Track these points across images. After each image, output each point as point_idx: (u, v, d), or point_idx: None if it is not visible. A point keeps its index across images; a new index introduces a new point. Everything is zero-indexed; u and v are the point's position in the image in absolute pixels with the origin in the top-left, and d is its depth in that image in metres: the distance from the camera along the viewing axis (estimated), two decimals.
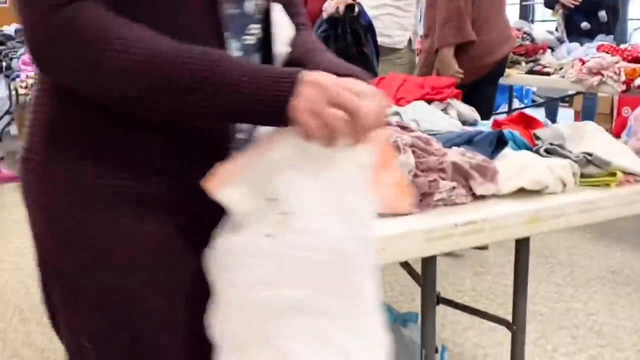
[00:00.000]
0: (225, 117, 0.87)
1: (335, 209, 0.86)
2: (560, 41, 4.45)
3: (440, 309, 1.85)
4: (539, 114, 5.57)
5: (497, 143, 1.46)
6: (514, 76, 4.16)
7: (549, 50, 4.23)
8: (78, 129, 0.90)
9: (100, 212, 0.90)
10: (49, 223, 0.94)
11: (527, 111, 2.37)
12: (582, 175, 1.43)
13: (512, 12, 8.30)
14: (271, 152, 0.86)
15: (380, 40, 3.00)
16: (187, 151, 0.92)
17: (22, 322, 2.75)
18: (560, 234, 3.57)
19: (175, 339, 0.93)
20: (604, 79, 3.50)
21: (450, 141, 1.47)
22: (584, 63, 3.62)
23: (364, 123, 0.82)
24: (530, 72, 4.12)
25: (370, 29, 2.89)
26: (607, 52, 3.71)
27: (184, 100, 0.82)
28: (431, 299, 1.46)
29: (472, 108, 1.90)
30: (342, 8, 2.82)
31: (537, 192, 1.36)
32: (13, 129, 6.63)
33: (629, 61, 3.52)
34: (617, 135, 2.27)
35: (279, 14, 0.99)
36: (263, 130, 0.93)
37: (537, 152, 1.50)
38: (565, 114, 6.65)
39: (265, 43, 1.00)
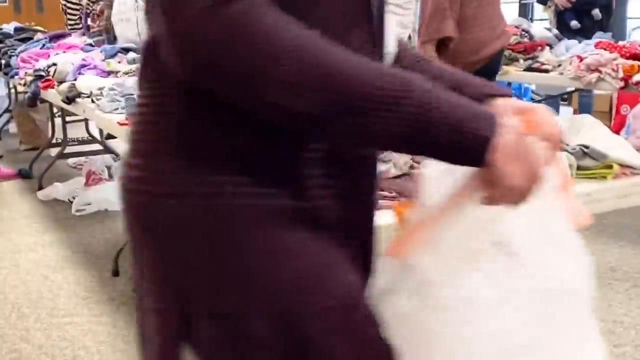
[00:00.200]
0: (405, 147, 0.74)
1: (552, 242, 0.82)
2: (559, 38, 4.45)
3: None
4: None
5: None
6: (512, 73, 4.16)
7: (547, 48, 4.23)
8: (225, 141, 0.77)
9: (283, 235, 0.78)
10: (199, 251, 0.78)
11: None
12: (579, 168, 1.44)
13: (511, 10, 8.30)
14: (466, 206, 0.77)
15: None
16: (339, 167, 0.82)
17: (20, 319, 2.75)
18: None
19: None
20: (602, 76, 3.50)
21: None
22: (582, 60, 3.62)
23: (556, 148, 0.78)
24: (529, 69, 4.12)
25: None
26: (605, 49, 3.71)
27: (360, 122, 0.70)
28: None
29: None
30: None
31: None
32: (12, 127, 6.63)
33: (627, 58, 3.52)
34: (616, 133, 2.27)
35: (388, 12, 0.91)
36: (429, 171, 0.85)
37: None
38: (563, 111, 6.65)
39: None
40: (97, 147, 5.02)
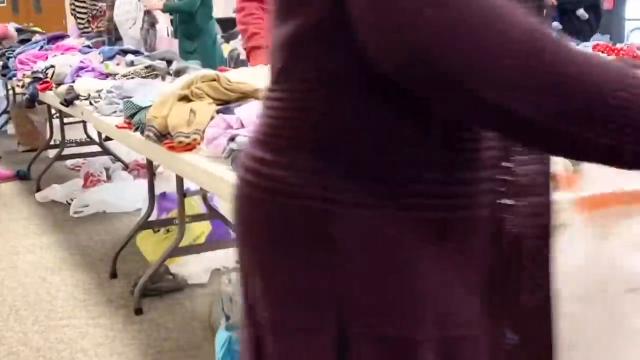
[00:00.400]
0: (611, 159, 0.63)
1: None
2: None
3: None
4: None
5: None
6: None
7: None
8: (384, 144, 0.70)
9: (449, 253, 0.71)
10: (359, 266, 0.70)
11: None
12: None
13: None
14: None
15: None
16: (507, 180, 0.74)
17: (18, 321, 2.75)
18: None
19: None
20: None
21: None
22: None
23: None
24: None
25: None
26: (602, 52, 3.71)
27: (587, 132, 0.61)
28: None
29: None
30: None
31: None
32: (10, 128, 6.62)
33: None
34: None
35: None
36: None
37: None
38: None
39: None
40: (95, 148, 5.02)
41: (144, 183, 3.74)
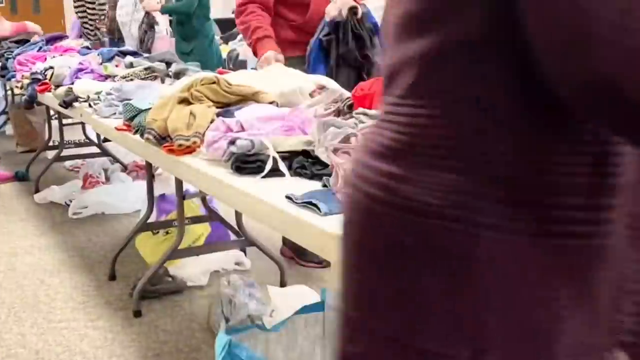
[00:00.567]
0: None
1: None
2: None
3: None
4: None
5: None
6: None
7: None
8: (531, 163, 0.68)
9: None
10: (496, 291, 0.68)
11: None
12: None
13: None
14: None
15: None
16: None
17: (17, 323, 2.75)
18: None
19: None
20: None
21: None
22: None
23: None
24: None
25: (376, 31, 2.82)
26: None
27: None
28: None
29: None
30: (345, 11, 2.74)
31: None
32: (8, 129, 6.62)
33: None
34: None
35: None
36: None
37: None
38: None
39: None
40: (94, 149, 5.01)
41: (143, 184, 3.73)
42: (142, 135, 2.13)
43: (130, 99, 2.48)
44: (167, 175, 3.98)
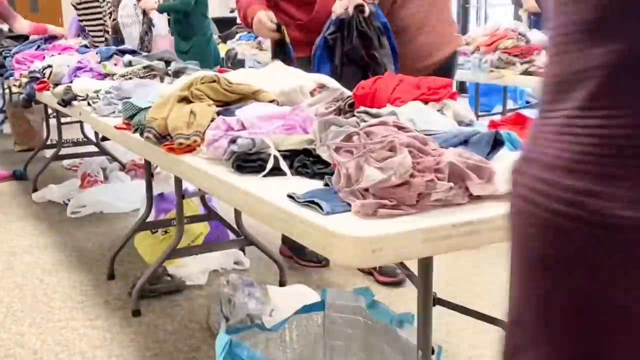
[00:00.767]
0: None
1: None
2: None
3: (435, 308, 1.85)
4: (533, 115, 5.58)
5: (494, 143, 1.45)
6: (509, 77, 4.16)
7: (544, 51, 4.23)
8: None
9: None
10: None
11: (522, 112, 2.37)
12: None
13: (505, 14, 8.31)
14: None
15: None
16: None
17: (15, 323, 2.73)
18: None
19: None
20: None
21: (447, 141, 1.47)
22: None
23: None
24: (525, 72, 4.12)
25: (385, 31, 2.77)
26: None
27: None
28: (428, 301, 1.45)
29: (469, 108, 1.90)
30: (351, 9, 2.69)
31: None
32: (6, 128, 6.60)
33: None
34: None
35: None
36: None
37: None
38: None
39: None
40: (92, 148, 5.01)
41: (141, 184, 3.72)
42: (141, 134, 2.11)
43: (129, 98, 2.46)
44: (165, 174, 3.97)
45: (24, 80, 3.98)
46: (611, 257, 0.69)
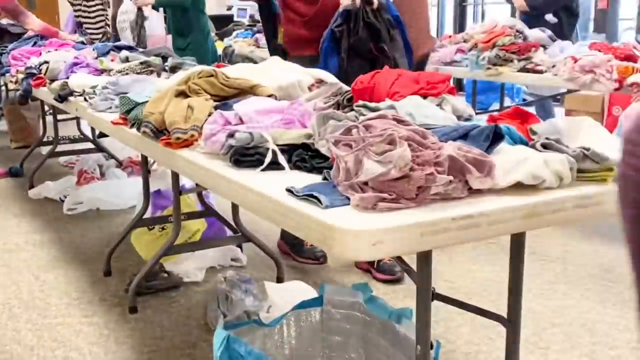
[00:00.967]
0: None
1: None
2: (553, 39, 4.45)
3: (433, 304, 1.84)
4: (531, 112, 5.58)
5: (494, 137, 1.44)
6: (507, 74, 4.16)
7: (541, 49, 4.23)
8: None
9: None
10: None
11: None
12: (579, 170, 1.42)
13: (503, 11, 8.30)
14: None
15: None
16: None
17: (11, 319, 2.72)
18: (553, 231, 3.57)
19: None
20: (596, 77, 3.49)
21: (447, 135, 1.46)
22: (576, 61, 3.61)
23: None
24: (523, 70, 4.12)
25: (397, 24, 2.73)
26: (599, 50, 3.71)
27: None
28: (427, 295, 1.44)
29: (467, 103, 1.89)
30: (358, 1, 2.67)
31: (533, 187, 1.35)
32: (2, 125, 6.57)
33: (622, 59, 3.52)
34: None
35: None
36: None
37: (533, 146, 1.49)
38: (558, 113, 6.65)
39: None
40: (88, 145, 4.99)
41: (137, 180, 3.71)
42: (138, 129, 2.10)
43: (126, 93, 2.45)
44: (162, 171, 3.96)
45: (21, 76, 3.96)
46: None
